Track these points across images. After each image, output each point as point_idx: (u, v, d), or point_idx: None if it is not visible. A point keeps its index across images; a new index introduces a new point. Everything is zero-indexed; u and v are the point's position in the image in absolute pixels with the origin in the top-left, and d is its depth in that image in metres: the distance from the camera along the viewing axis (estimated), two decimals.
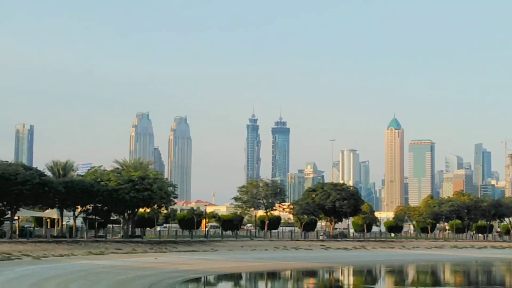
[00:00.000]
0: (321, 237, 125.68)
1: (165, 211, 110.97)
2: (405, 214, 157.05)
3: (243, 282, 66.94)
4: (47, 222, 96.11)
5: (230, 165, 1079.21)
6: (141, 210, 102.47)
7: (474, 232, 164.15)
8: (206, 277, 64.76)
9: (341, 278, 75.23)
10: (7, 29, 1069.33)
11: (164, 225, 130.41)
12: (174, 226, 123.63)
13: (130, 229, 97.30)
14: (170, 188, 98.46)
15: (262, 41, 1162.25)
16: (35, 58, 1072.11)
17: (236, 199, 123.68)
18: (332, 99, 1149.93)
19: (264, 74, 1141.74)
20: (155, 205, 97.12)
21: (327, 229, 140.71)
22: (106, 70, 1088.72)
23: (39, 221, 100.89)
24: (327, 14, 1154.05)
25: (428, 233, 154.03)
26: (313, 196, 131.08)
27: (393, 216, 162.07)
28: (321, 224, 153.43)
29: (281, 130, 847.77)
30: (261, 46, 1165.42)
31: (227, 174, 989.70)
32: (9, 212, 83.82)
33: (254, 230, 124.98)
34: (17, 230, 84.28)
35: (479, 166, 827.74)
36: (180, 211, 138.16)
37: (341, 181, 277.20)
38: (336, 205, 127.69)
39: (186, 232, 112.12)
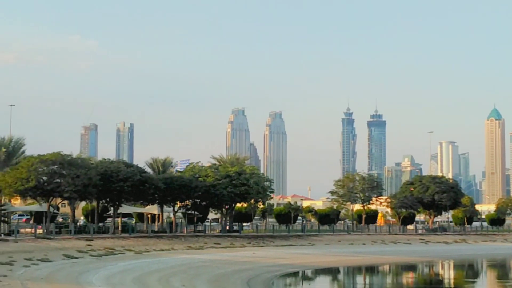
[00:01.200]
0: (420, 231, 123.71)
1: (262, 206, 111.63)
2: (508, 207, 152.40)
3: (341, 276, 66.72)
4: (148, 217, 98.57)
5: (325, 159, 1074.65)
6: (238, 205, 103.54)
7: None
8: (304, 271, 64.92)
9: (441, 272, 73.93)
10: (107, 33, 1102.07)
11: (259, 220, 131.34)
12: (271, 220, 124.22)
13: (228, 223, 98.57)
14: (267, 183, 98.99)
15: (358, 34, 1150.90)
16: (131, 57, 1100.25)
17: (332, 193, 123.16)
18: (429, 90, 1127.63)
19: (360, 67, 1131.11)
20: (252, 200, 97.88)
21: (426, 223, 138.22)
22: (202, 67, 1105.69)
23: (140, 216, 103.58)
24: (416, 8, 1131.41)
25: None
26: (411, 189, 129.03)
27: (495, 208, 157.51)
28: (419, 217, 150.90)
29: (377, 123, 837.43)
30: (356, 39, 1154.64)
31: (323, 168, 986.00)
32: (112, 208, 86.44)
33: (351, 224, 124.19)
34: (119, 226, 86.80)
35: None
36: (277, 206, 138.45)
37: (439, 174, 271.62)
38: (435, 198, 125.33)
39: (283, 227, 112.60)
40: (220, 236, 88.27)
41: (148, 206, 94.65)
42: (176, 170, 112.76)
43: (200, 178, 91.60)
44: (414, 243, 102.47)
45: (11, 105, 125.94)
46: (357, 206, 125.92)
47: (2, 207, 79.68)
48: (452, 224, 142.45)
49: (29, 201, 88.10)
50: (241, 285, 46.57)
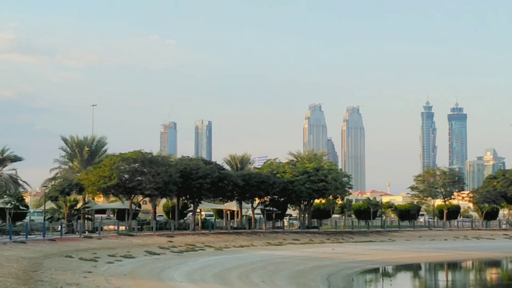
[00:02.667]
0: (503, 226, 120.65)
1: (340, 202, 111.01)
2: None
3: (422, 272, 65.71)
4: (227, 214, 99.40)
5: (404, 154, 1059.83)
6: (316, 201, 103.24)
7: None
8: (384, 267, 64.20)
9: None
10: (185, 32, 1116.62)
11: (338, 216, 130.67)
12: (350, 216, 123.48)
13: (306, 220, 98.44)
14: (345, 179, 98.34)
15: (433, 25, 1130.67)
16: (207, 56, 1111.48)
17: (412, 188, 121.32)
18: (511, 81, 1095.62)
19: (439, 60, 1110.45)
20: (330, 196, 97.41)
21: (510, 218, 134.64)
22: (279, 63, 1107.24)
23: (219, 213, 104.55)
24: None
25: None
26: (494, 183, 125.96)
27: None
28: (503, 212, 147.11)
29: (457, 117, 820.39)
30: (432, 30, 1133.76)
31: (402, 163, 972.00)
32: (192, 205, 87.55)
33: (432, 220, 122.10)
34: (199, 222, 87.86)
35: None
36: (355, 202, 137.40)
37: None
38: None
39: (362, 223, 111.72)
40: (298, 232, 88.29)
41: (227, 203, 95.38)
42: (254, 167, 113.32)
43: (278, 175, 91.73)
44: (497, 238, 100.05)
45: (93, 105, 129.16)
46: (438, 202, 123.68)
47: (86, 205, 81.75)
48: None
49: (112, 198, 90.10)
50: (321, 281, 46.43)
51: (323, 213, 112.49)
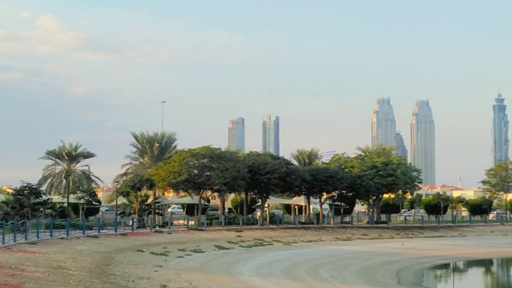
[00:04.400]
0: None
1: (410, 197, 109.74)
2: None
3: (494, 268, 64.43)
4: (295, 209, 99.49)
5: (476, 147, 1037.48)
6: (385, 196, 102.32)
7: None
8: (455, 263, 63.19)
9: None
10: (253, 27, 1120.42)
11: (408, 211, 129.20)
12: (420, 211, 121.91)
13: (375, 215, 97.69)
14: (414, 173, 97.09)
15: (505, 16, 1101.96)
16: (275, 51, 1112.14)
17: (484, 182, 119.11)
18: None
19: (510, 50, 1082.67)
20: (399, 191, 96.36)
21: None
22: (346, 56, 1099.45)
23: (287, 208, 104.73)
24: None
25: None
26: None
27: None
28: None
29: None
30: (503, 21, 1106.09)
31: (473, 157, 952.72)
32: (260, 200, 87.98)
33: (505, 215, 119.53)
34: (267, 217, 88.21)
35: None
36: (425, 196, 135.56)
37: None
38: None
39: (432, 218, 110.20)
40: (367, 227, 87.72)
41: (295, 198, 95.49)
42: (322, 162, 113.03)
43: (346, 169, 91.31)
44: None
45: (163, 102, 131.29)
46: (511, 196, 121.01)
47: (157, 200, 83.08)
48: None
49: (181, 193, 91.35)
50: (390, 277, 46.07)
51: (392, 208, 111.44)
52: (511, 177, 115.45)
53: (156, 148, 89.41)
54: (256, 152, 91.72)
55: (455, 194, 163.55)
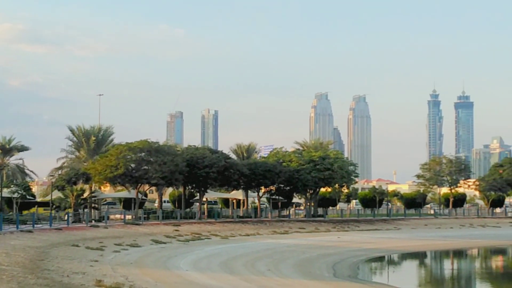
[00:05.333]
0: (509, 214, 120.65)
1: (346, 190, 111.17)
2: None
3: (428, 260, 65.83)
4: (233, 203, 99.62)
5: (411, 142, 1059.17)
6: (322, 189, 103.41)
7: None
8: (390, 255, 64.33)
9: None
10: (194, 21, 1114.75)
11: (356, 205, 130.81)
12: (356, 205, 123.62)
13: (312, 208, 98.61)
14: (351, 167, 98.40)
15: (441, 13, 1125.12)
16: (215, 45, 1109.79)
17: (418, 176, 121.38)
18: None
19: (446, 48, 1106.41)
20: (336, 185, 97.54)
21: None
22: (285, 53, 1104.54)
23: (225, 202, 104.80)
24: None
25: None
26: (501, 171, 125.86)
27: None
28: (509, 200, 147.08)
29: (464, 105, 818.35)
30: (438, 18, 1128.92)
31: (408, 152, 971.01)
32: (198, 194, 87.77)
33: (438, 208, 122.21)
34: (205, 211, 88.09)
35: None
36: (361, 190, 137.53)
37: None
38: None
39: (368, 211, 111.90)
40: (304, 221, 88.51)
41: (233, 192, 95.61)
42: (260, 156, 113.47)
43: (284, 164, 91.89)
44: (503, 226, 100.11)
45: (100, 95, 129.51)
46: (444, 190, 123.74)
47: (93, 194, 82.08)
48: None
49: (118, 188, 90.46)
50: (326, 270, 46.60)
51: (329, 202, 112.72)
52: (445, 171, 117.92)
53: (92, 142, 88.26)
54: (195, 146, 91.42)
55: (391, 188, 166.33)
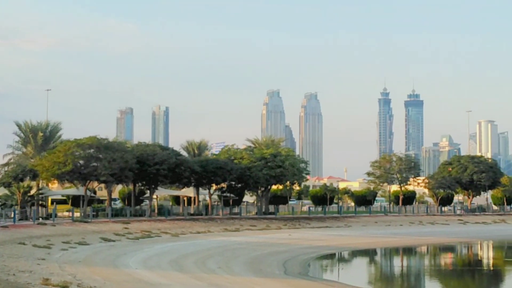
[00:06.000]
0: (458, 212, 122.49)
1: (297, 188, 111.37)
2: None
3: (378, 257, 66.32)
4: (184, 200, 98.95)
5: (362, 140, 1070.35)
6: (273, 187, 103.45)
7: None
8: (340, 252, 64.60)
9: (480, 253, 73.08)
10: (145, 16, 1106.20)
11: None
12: (307, 202, 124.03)
13: (263, 206, 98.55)
14: (302, 165, 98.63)
15: (392, 13, 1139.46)
16: (167, 41, 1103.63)
17: (369, 174, 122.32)
18: (468, 69, 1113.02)
19: (396, 46, 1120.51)
20: (288, 182, 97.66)
21: (464, 203, 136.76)
22: (237, 49, 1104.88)
23: (176, 199, 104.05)
24: None
25: None
26: (449, 169, 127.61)
27: None
28: (458, 198, 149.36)
29: (414, 103, 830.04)
30: (391, 17, 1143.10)
31: (359, 149, 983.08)
32: (148, 191, 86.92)
33: (388, 206, 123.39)
34: (155, 209, 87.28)
35: None
36: (313, 188, 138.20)
37: (478, 154, 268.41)
38: (474, 179, 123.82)
39: (319, 208, 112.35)
40: (256, 219, 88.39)
41: (184, 189, 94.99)
42: (212, 153, 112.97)
43: (235, 161, 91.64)
44: (452, 224, 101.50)
45: (48, 90, 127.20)
46: (394, 187, 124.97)
47: (40, 191, 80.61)
48: (491, 204, 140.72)
49: (67, 185, 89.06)
50: (277, 267, 46.48)
51: (280, 199, 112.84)
52: (395, 169, 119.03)
53: (40, 138, 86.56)
54: (145, 142, 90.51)
55: (341, 185, 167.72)
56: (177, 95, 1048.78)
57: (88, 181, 76.96)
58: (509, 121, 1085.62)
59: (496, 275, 52.11)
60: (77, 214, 72.93)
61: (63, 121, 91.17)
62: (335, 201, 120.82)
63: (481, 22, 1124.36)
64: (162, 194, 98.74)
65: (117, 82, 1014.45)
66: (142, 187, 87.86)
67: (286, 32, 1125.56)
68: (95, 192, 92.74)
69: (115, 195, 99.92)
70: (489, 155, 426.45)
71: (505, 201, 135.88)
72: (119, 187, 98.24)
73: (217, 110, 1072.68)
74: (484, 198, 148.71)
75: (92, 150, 75.77)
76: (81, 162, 74.73)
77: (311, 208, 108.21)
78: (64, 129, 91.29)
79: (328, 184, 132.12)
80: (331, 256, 61.04)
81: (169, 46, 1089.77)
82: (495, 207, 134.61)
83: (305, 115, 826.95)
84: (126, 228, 65.36)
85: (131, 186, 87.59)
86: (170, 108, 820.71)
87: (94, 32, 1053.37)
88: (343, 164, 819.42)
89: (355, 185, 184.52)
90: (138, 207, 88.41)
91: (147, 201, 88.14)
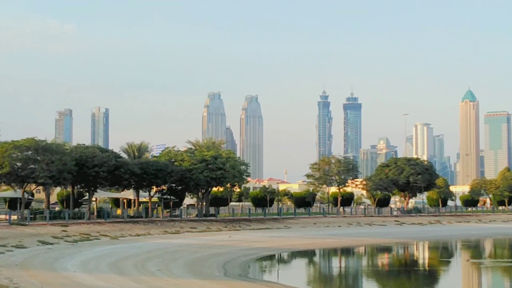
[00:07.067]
0: (395, 213, 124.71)
1: (238, 190, 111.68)
2: (481, 188, 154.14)
3: (317, 258, 67.07)
4: (124, 202, 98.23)
5: (301, 142, 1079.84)
6: (214, 189, 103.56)
7: None
8: (280, 254, 65.12)
9: (416, 253, 74.64)
10: (85, 18, 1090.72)
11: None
12: (247, 204, 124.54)
13: (204, 208, 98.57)
14: (243, 167, 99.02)
15: (332, 17, 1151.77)
16: (107, 42, 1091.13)
17: (308, 176, 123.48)
18: (404, 73, 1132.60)
19: (335, 50, 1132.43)
20: (228, 184, 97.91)
21: (401, 205, 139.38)
22: (178, 51, 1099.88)
23: (116, 202, 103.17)
24: None
25: (505, 206, 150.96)
26: (387, 171, 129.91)
27: (469, 190, 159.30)
28: (395, 199, 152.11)
29: (352, 106, 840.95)
30: (331, 22, 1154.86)
31: (299, 152, 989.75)
32: (87, 193, 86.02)
33: (327, 207, 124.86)
34: (95, 211, 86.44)
35: None
36: (253, 190, 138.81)
37: (414, 156, 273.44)
38: (410, 180, 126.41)
39: (259, 210, 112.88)
40: (196, 221, 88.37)
41: (124, 191, 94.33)
42: (152, 155, 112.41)
43: (176, 163, 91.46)
44: (389, 224, 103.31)
45: None
46: (333, 189, 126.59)
47: None
48: (427, 205, 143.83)
49: (4, 187, 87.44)
50: (217, 269, 46.65)
51: (221, 201, 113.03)
52: (333, 171, 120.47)
53: None
54: (84, 144, 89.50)
55: (281, 187, 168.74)
56: (118, 97, 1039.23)
57: (25, 184, 75.75)
58: (445, 124, 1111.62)
59: (432, 275, 53.38)
60: (14, 217, 71.68)
61: (0, 122, 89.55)
62: (275, 202, 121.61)
63: (417, 26, 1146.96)
64: (102, 196, 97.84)
65: (56, 83, 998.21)
66: (81, 190, 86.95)
67: (227, 35, 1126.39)
68: (32, 195, 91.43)
69: (53, 198, 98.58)
70: (425, 158, 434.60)
71: (440, 202, 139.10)
72: (58, 189, 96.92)
73: (158, 112, 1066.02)
74: (420, 199, 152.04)
75: (29, 152, 74.61)
76: (19, 164, 73.54)
77: (251, 210, 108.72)
78: (1, 131, 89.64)
79: (268, 186, 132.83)
80: (270, 257, 61.49)
81: (110, 47, 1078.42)
82: (430, 208, 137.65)
83: (246, 117, 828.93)
84: (64, 231, 64.57)
85: (69, 189, 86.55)
86: (110, 110, 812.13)
87: (34, 33, 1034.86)
88: (283, 166, 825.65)
89: (295, 187, 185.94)
90: (77, 209, 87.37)
91: (86, 204, 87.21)
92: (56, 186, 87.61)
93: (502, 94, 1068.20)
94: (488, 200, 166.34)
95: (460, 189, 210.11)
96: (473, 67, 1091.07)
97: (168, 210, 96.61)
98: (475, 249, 79.18)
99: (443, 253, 75.10)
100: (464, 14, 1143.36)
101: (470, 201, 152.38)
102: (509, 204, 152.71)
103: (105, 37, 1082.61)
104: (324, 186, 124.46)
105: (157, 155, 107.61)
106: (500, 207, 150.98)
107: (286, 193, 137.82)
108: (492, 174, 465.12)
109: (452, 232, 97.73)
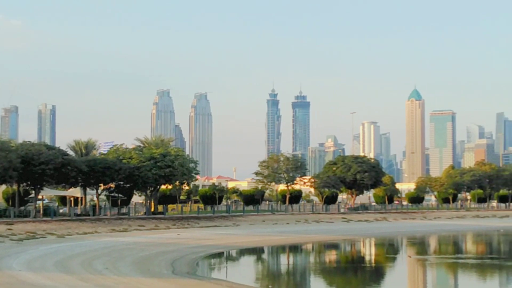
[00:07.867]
0: (342, 210, 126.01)
1: (187, 188, 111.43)
2: (427, 185, 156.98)
3: (265, 255, 67.48)
4: (71, 200, 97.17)
5: (250, 140, 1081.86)
6: (163, 187, 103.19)
7: (496, 201, 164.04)
8: (229, 251, 65.35)
9: (362, 250, 75.65)
10: (31, 12, 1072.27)
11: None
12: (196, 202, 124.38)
13: (152, 206, 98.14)
14: (192, 165, 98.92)
15: (281, 15, 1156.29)
16: (54, 38, 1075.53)
17: (257, 174, 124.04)
18: (352, 72, 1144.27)
19: (283, 49, 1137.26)
20: (177, 182, 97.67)
21: (348, 202, 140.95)
22: (126, 48, 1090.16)
23: (62, 200, 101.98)
24: None
25: (449, 203, 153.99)
26: (334, 169, 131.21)
27: (415, 187, 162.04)
28: (342, 197, 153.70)
29: (301, 104, 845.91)
30: (280, 20, 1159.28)
31: (248, 149, 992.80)
32: (33, 191, 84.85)
33: (275, 204, 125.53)
34: (41, 209, 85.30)
35: (500, 135, 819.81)
36: (202, 187, 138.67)
37: (362, 154, 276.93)
38: (357, 178, 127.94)
39: (208, 208, 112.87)
40: (144, 219, 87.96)
41: (71, 189, 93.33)
42: (100, 153, 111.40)
43: (124, 160, 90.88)
44: (336, 222, 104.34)
45: None
46: (282, 187, 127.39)
47: None
48: (374, 202, 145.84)
49: None
50: (165, 267, 46.57)
51: (169, 199, 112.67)
52: (282, 169, 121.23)
53: None
54: (30, 141, 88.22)
55: (230, 185, 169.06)
56: (64, 93, 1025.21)
57: None
58: (391, 122, 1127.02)
59: (378, 271, 54.21)
60: None
61: None
62: (223, 200, 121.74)
63: (364, 26, 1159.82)
64: (48, 194, 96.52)
65: (2, 80, 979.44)
66: (27, 188, 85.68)
67: (176, 32, 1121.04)
68: None
69: None
70: (371, 155, 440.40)
71: (386, 199, 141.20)
72: (3, 187, 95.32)
73: (106, 109, 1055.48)
74: (367, 196, 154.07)
75: None
76: None
77: (199, 208, 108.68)
78: None
79: (217, 184, 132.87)
80: (219, 255, 61.64)
81: (56, 43, 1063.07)
82: (377, 206, 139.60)
83: (195, 115, 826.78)
84: (9, 229, 63.65)
85: (15, 187, 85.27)
86: (57, 107, 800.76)
87: None
88: (232, 164, 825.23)
89: (244, 185, 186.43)
90: (22, 207, 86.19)
91: (32, 202, 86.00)
92: (1, 184, 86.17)
93: (447, 93, 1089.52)
94: (433, 197, 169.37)
95: (406, 186, 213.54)
96: (419, 67, 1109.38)
97: (116, 207, 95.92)
98: (420, 246, 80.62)
99: (389, 249, 76.26)
100: (410, 14, 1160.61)
101: (416, 199, 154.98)
102: (453, 201, 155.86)
103: (51, 34, 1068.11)
104: (273, 183, 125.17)
105: (105, 152, 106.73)
106: (444, 204, 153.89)
107: (235, 191, 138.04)
108: (437, 172, 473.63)
109: (397, 229, 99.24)
